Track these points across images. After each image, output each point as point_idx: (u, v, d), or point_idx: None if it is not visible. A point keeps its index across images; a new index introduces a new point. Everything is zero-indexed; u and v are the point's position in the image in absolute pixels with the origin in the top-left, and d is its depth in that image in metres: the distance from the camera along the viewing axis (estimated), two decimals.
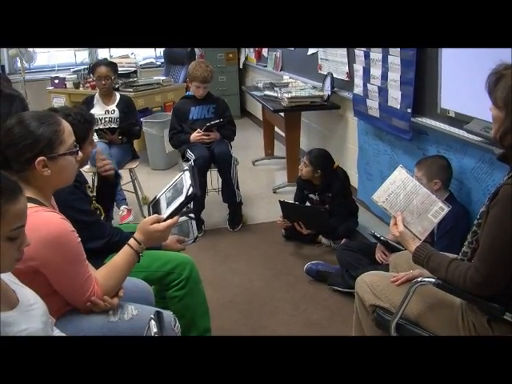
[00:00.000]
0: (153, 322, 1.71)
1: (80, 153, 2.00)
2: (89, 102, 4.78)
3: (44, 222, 1.78)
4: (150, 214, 2.08)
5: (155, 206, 2.11)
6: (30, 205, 1.73)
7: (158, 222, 2.00)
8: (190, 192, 1.97)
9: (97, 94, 4.86)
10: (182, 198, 1.98)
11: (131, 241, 2.01)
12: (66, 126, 1.93)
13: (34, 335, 1.41)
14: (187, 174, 2.08)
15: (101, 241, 2.38)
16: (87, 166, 4.52)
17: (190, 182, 2.01)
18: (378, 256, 3.21)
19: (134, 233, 2.00)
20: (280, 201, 4.08)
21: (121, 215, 4.58)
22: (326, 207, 3.91)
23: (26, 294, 1.52)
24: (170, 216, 2.00)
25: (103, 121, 4.73)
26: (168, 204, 2.04)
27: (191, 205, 3.21)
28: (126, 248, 2.01)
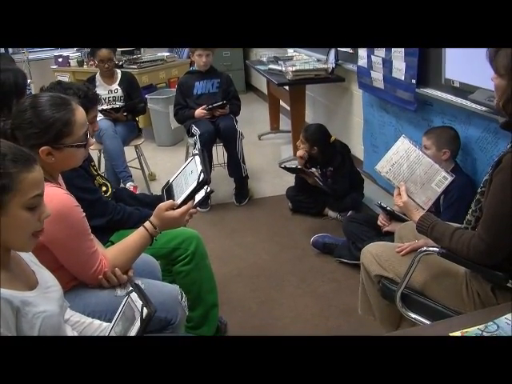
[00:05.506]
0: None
1: (91, 140, 2.00)
2: (90, 83, 4.73)
3: (47, 196, 1.77)
4: (164, 199, 2.10)
5: (168, 191, 2.14)
6: None
7: (173, 207, 2.02)
8: (201, 178, 1.99)
9: (97, 75, 4.83)
10: (194, 184, 2.01)
11: (147, 224, 2.04)
12: (80, 116, 1.89)
13: (51, 318, 1.41)
14: (197, 158, 2.09)
15: (102, 219, 2.38)
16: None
17: (200, 168, 2.02)
18: (380, 220, 3.20)
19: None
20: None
21: None
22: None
23: (45, 276, 1.54)
24: (184, 202, 2.02)
25: (107, 100, 4.73)
26: (181, 190, 2.07)
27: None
28: (141, 229, 2.03)
